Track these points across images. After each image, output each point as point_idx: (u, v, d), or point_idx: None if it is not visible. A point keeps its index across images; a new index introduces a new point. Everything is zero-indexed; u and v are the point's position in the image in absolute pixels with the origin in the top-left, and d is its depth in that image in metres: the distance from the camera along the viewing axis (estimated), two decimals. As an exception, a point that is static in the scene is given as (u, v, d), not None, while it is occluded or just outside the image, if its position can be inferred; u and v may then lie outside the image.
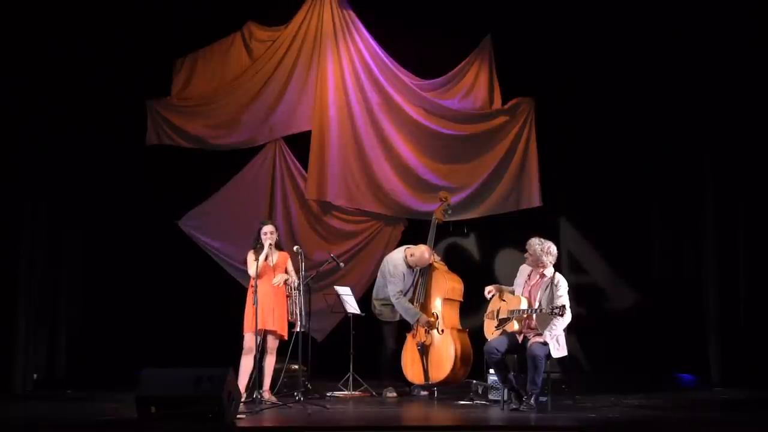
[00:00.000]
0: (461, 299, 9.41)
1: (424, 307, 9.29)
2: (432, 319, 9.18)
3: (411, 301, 9.31)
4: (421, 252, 9.32)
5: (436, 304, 9.29)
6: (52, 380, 10.02)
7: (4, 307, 9.41)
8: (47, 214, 10.02)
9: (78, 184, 10.53)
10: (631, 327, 10.64)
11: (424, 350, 9.19)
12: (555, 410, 7.87)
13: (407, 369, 9.32)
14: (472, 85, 10.90)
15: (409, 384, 9.38)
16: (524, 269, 8.28)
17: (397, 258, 9.40)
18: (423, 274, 9.38)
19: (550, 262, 8.08)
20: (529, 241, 8.16)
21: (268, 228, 8.68)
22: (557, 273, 8.06)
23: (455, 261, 10.40)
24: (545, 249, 8.07)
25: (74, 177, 10.46)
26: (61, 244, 10.24)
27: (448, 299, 9.31)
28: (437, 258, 9.69)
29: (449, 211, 9.91)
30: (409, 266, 9.34)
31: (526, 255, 8.20)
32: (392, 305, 9.32)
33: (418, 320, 9.20)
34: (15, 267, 9.53)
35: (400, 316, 9.34)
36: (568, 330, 8.19)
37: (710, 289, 10.15)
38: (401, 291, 9.24)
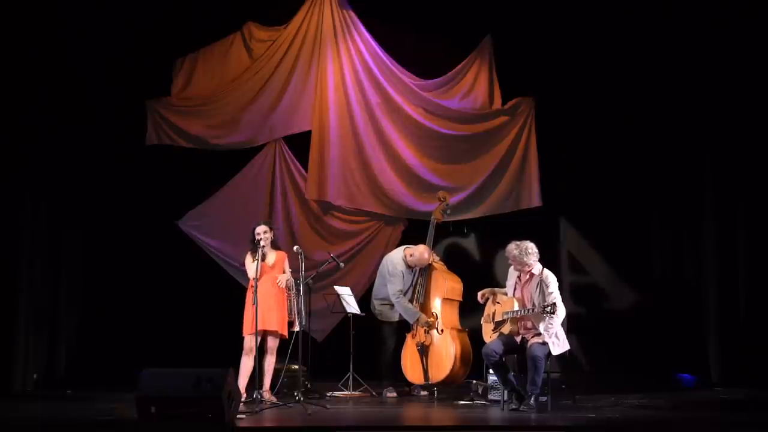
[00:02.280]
0: (461, 299, 9.40)
1: (424, 307, 9.28)
2: (431, 320, 9.18)
3: (410, 300, 9.30)
4: (420, 252, 9.32)
5: (436, 304, 9.29)
6: (52, 380, 10.02)
7: (4, 307, 9.41)
8: (47, 214, 10.02)
9: (78, 184, 10.53)
10: (631, 327, 10.63)
11: (424, 350, 9.19)
12: (555, 410, 7.87)
13: (407, 369, 9.32)
14: (472, 85, 10.90)
15: (409, 384, 9.38)
16: (513, 271, 8.27)
17: (396, 257, 9.40)
18: (422, 274, 9.38)
19: (534, 261, 8.06)
20: (506, 248, 8.12)
21: (260, 228, 8.67)
22: (545, 269, 8.05)
23: (455, 261, 10.40)
24: (523, 250, 8.03)
25: (74, 177, 10.46)
26: (61, 244, 10.25)
27: (447, 299, 9.31)
28: (436, 258, 9.69)
29: (448, 211, 9.91)
30: (408, 266, 9.34)
31: (509, 263, 8.19)
32: (391, 304, 9.32)
33: (417, 320, 9.20)
34: (15, 267, 9.53)
35: (400, 315, 9.35)
36: (568, 330, 8.19)
37: (710, 289, 10.15)
38: (401, 290, 9.24)
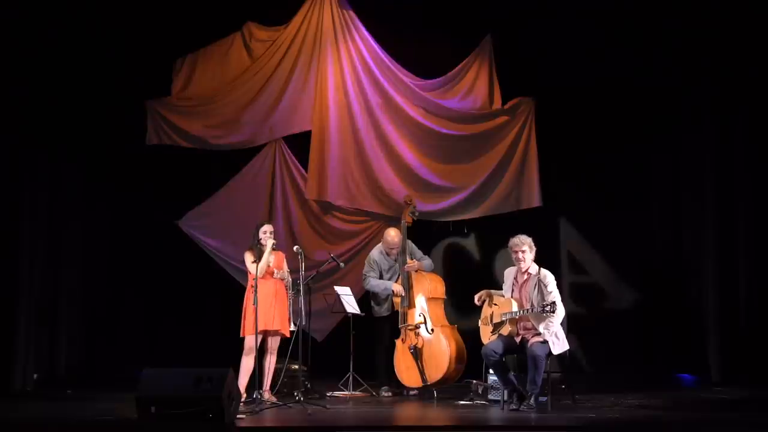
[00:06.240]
0: (444, 297, 9.45)
1: (409, 310, 9.29)
2: (402, 289, 9.27)
3: (394, 306, 9.38)
4: (386, 234, 9.52)
5: (422, 305, 9.29)
6: (52, 380, 10.02)
7: (4, 307, 9.41)
8: (47, 214, 10.02)
9: (78, 183, 10.53)
10: (631, 327, 10.64)
11: (417, 353, 9.18)
12: (555, 410, 7.88)
13: (402, 374, 9.30)
14: (472, 85, 10.89)
15: (401, 387, 9.37)
16: (510, 273, 8.31)
17: (372, 253, 9.62)
18: (404, 279, 9.39)
19: (530, 251, 8.11)
20: (510, 241, 8.24)
21: (269, 227, 8.73)
22: (542, 269, 8.08)
23: (455, 261, 10.38)
24: (523, 237, 8.16)
25: (74, 176, 10.46)
26: (61, 244, 10.24)
27: (432, 298, 9.34)
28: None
29: (416, 213, 9.84)
30: (386, 253, 9.50)
31: (509, 246, 8.22)
32: (377, 301, 9.42)
33: (393, 292, 9.32)
34: (15, 266, 9.53)
35: (390, 310, 9.39)
36: (569, 330, 8.20)
37: (710, 289, 10.15)
38: (364, 274, 9.50)
